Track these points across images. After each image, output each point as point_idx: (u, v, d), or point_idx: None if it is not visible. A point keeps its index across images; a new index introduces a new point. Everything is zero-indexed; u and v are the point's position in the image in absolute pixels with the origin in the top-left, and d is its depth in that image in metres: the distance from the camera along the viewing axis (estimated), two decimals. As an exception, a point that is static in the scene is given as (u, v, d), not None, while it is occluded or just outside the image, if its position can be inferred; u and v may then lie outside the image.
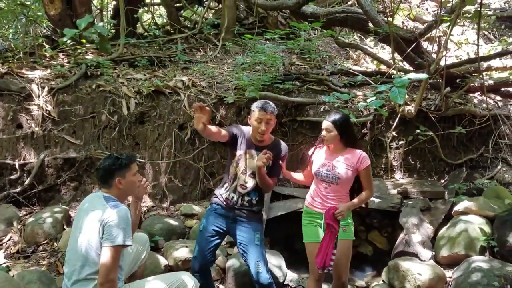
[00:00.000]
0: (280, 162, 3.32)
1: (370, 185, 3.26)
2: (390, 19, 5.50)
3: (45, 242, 4.18)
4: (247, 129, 3.34)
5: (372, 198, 4.65)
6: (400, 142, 5.47)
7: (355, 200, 3.24)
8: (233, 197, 3.28)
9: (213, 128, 3.10)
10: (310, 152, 3.44)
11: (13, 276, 3.46)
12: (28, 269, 3.67)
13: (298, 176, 3.55)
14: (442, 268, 3.93)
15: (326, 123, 3.21)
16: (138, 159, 5.14)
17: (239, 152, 3.29)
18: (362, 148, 3.40)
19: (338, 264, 3.19)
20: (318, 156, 3.34)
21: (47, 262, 3.88)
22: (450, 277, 3.85)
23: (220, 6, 7.85)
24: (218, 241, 3.32)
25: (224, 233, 3.34)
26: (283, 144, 3.39)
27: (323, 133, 3.24)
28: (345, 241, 3.22)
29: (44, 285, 3.29)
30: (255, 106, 3.25)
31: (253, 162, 3.24)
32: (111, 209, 2.57)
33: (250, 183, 3.28)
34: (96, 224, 2.55)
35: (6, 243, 4.18)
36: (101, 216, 2.56)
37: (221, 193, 3.34)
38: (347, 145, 3.26)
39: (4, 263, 3.84)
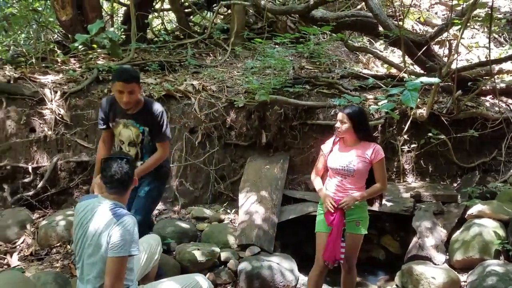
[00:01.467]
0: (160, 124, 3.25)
1: (383, 178, 3.26)
2: (400, 23, 5.48)
3: (58, 244, 4.19)
4: (113, 99, 3.30)
5: (385, 202, 4.62)
6: (412, 146, 5.44)
7: (364, 193, 3.23)
8: None
9: (104, 148, 3.44)
10: (327, 149, 3.39)
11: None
12: (43, 270, 3.68)
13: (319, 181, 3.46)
14: (456, 272, 3.90)
15: (341, 114, 3.22)
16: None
17: (112, 124, 3.40)
18: (376, 142, 3.39)
19: (348, 258, 3.27)
20: (333, 149, 3.34)
21: (60, 265, 3.89)
22: (465, 281, 3.82)
23: (230, 11, 7.88)
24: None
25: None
26: (155, 107, 3.27)
27: (337, 124, 3.24)
28: (355, 235, 3.26)
29: (60, 286, 3.29)
30: (114, 77, 3.22)
31: (127, 131, 3.32)
32: (117, 220, 2.50)
33: (132, 152, 3.38)
34: (103, 234, 2.49)
35: (20, 246, 4.20)
36: (107, 227, 2.50)
37: None
38: (361, 138, 3.26)
39: (18, 265, 3.86)
